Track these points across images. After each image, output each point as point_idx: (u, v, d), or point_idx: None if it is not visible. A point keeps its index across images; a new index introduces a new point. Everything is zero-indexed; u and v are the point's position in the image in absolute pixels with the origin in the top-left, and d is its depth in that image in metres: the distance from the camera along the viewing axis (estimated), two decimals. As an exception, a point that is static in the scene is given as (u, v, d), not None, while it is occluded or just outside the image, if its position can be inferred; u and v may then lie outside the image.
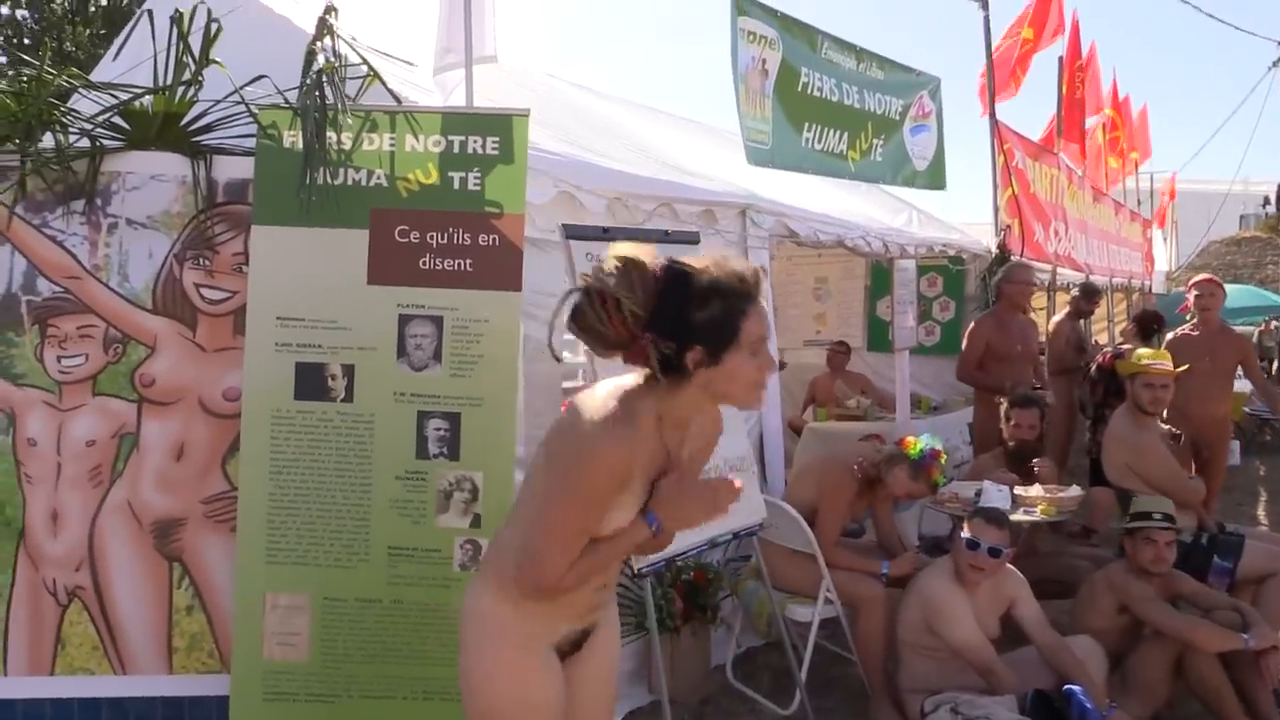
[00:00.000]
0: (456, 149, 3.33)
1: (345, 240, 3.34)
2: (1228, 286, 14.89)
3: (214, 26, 3.45)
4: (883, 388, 8.27)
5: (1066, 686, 3.65)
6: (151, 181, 3.38)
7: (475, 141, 3.32)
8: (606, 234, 3.41)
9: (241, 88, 3.36)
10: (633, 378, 2.04)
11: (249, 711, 3.38)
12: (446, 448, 3.36)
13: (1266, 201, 46.78)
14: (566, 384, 4.13)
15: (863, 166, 6.69)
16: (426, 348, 3.35)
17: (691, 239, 3.79)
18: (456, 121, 3.32)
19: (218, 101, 3.40)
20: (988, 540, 3.88)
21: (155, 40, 3.47)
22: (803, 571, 4.17)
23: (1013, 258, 8.50)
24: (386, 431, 3.36)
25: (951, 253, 8.10)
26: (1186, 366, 5.04)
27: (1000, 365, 6.36)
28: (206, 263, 3.42)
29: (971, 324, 6.82)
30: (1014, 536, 4.32)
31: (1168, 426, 5.27)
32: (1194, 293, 6.42)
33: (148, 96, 3.39)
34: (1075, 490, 4.83)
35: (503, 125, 3.31)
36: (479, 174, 3.32)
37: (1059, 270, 10.25)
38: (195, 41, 3.39)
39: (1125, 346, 7.49)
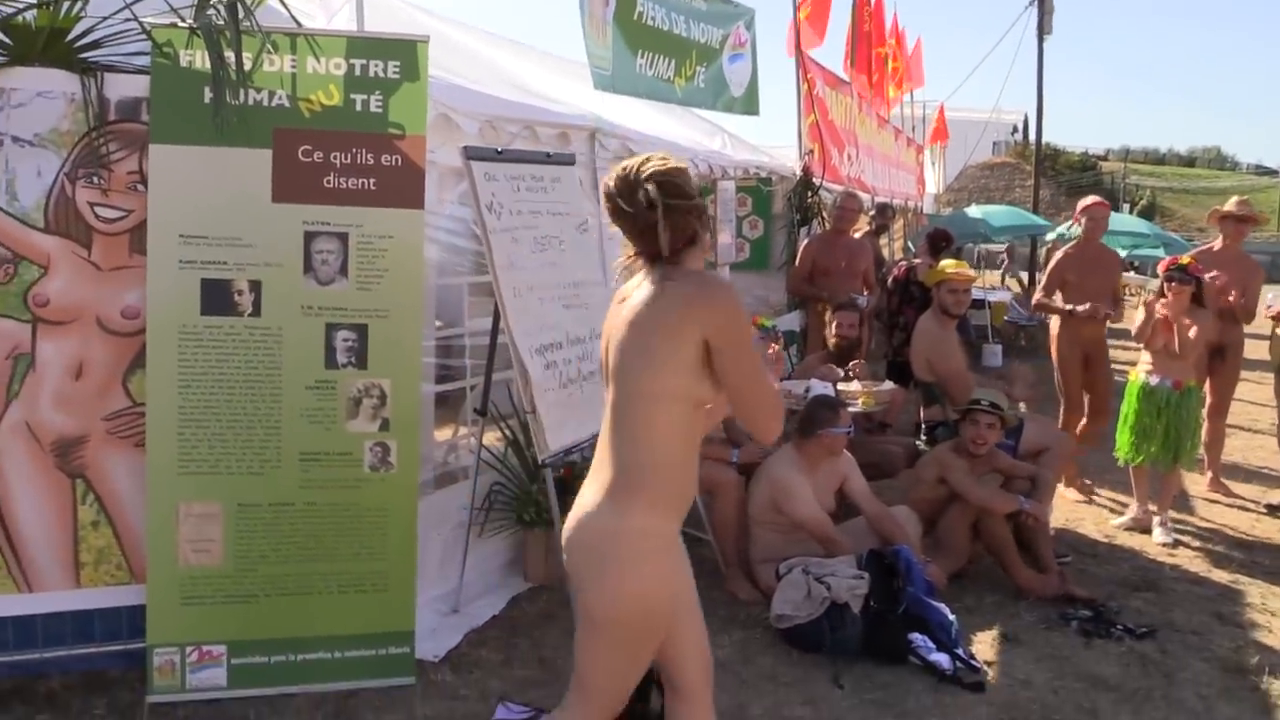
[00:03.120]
0: (359, 72, 3.48)
1: (248, 159, 3.44)
2: (989, 207, 16.46)
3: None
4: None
5: (896, 545, 4.31)
6: (38, 98, 3.34)
7: (378, 65, 3.48)
8: (500, 155, 3.66)
9: (131, 3, 3.36)
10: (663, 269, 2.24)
11: (166, 617, 3.54)
12: (354, 357, 3.57)
13: (1015, 130, 51.14)
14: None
15: (688, 92, 7.12)
16: (333, 263, 3.53)
17: (568, 160, 4.10)
18: (360, 46, 3.46)
19: (105, 18, 3.38)
20: (841, 424, 4.51)
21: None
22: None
23: (815, 179, 9.25)
24: (295, 344, 3.53)
25: (762, 174, 8.69)
26: (977, 276, 5.79)
27: (826, 279, 7.12)
28: (100, 181, 3.43)
29: (804, 243, 7.50)
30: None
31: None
32: (1084, 217, 6.48)
33: (31, 11, 3.32)
34: (889, 384, 5.53)
35: (406, 50, 3.48)
36: (381, 97, 3.49)
37: (852, 191, 11.15)
38: (80, -45, 3.35)
39: (918, 261, 8.36)
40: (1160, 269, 5.56)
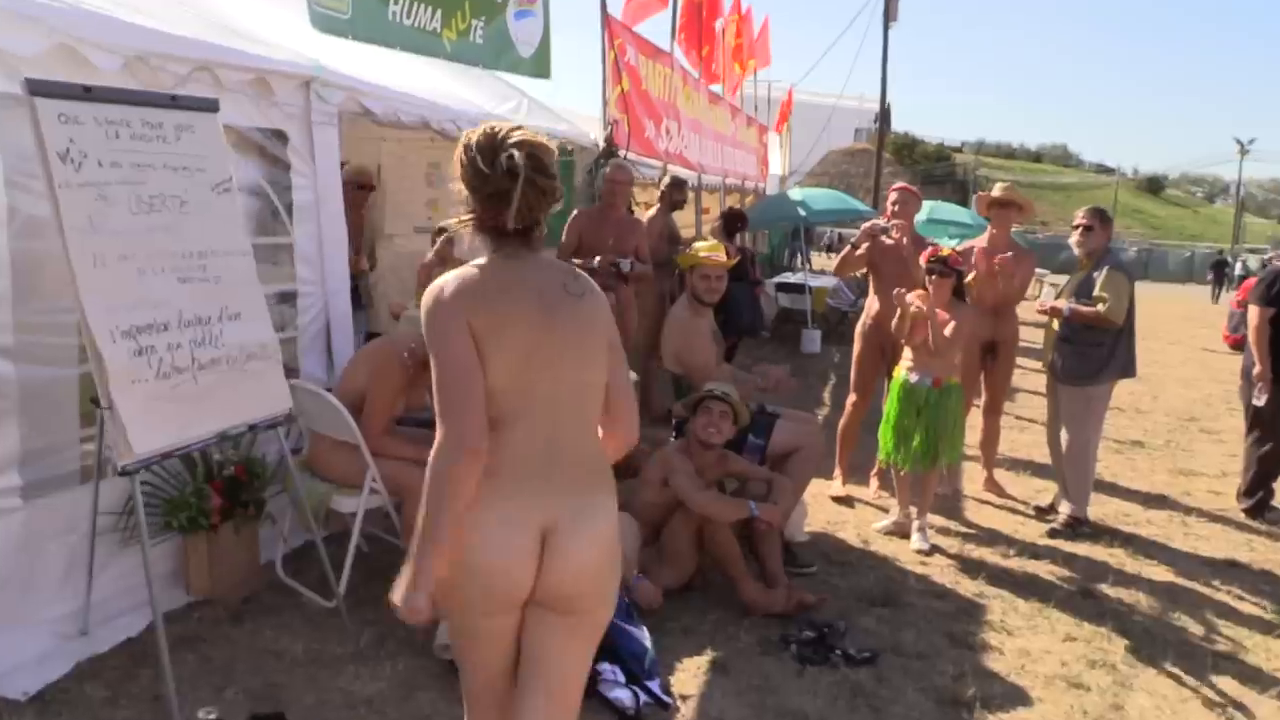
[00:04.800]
0: (-117, -24, 2.76)
1: None
2: (811, 190, 16.35)
3: None
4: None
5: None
6: None
7: (-91, -31, 2.77)
8: (89, 93, 2.98)
9: None
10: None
11: None
12: (-114, 335, 2.87)
13: (878, 118, 52.12)
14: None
15: (460, 48, 6.48)
16: None
17: (205, 105, 3.43)
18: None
19: None
20: None
21: None
22: (348, 461, 4.06)
23: (620, 152, 8.74)
24: None
25: (553, 144, 8.12)
26: (736, 260, 5.39)
27: (592, 258, 6.56)
28: None
29: (571, 217, 6.96)
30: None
31: None
32: (891, 197, 6.19)
33: None
34: (632, 375, 5.05)
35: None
36: (-85, 10, 2.78)
37: (670, 167, 10.70)
38: None
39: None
40: (921, 261, 5.25)
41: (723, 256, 5.16)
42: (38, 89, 2.85)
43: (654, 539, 4.46)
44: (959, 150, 55.39)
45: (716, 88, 14.82)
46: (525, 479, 2.13)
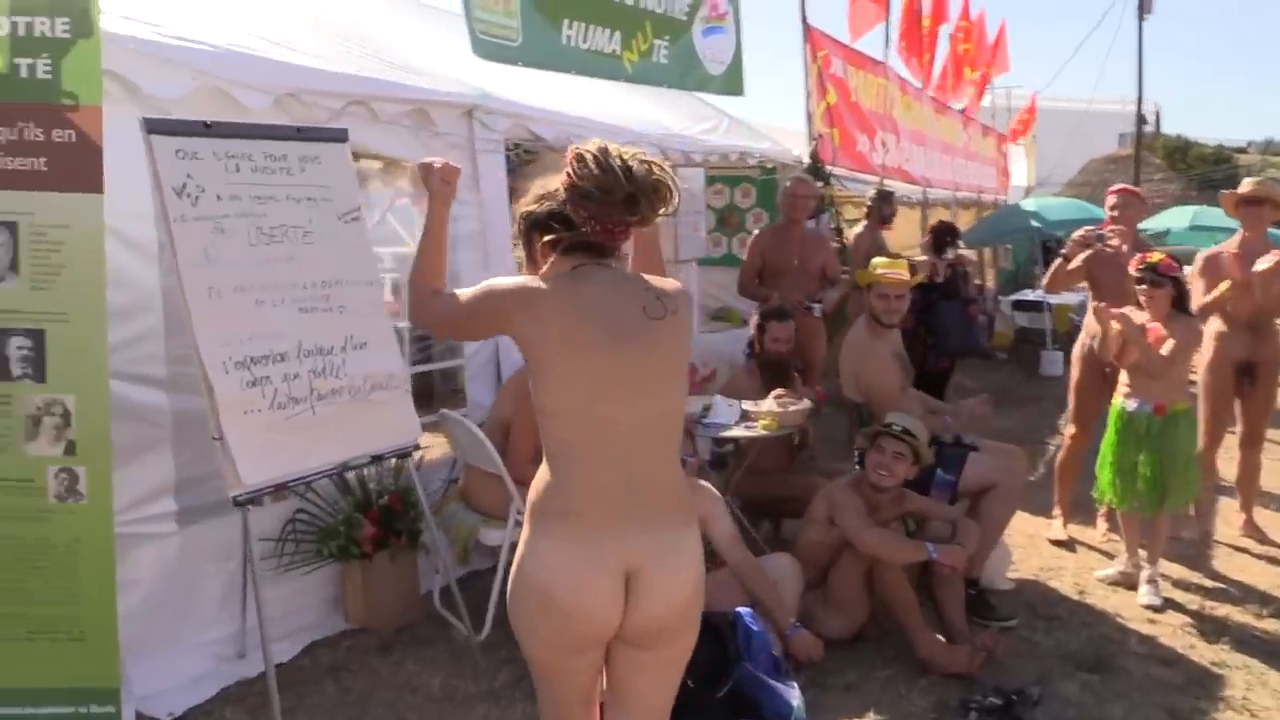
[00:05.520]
0: (23, 31, 2.91)
1: (-109, 135, 2.91)
2: (1045, 199, 15.09)
3: None
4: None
5: (737, 608, 3.53)
6: None
7: (44, 23, 2.91)
8: (209, 128, 3.03)
9: None
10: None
11: None
12: (31, 368, 3.01)
13: (1145, 121, 48.01)
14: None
15: (643, 69, 6.35)
16: (1, 257, 2.97)
17: (333, 136, 3.43)
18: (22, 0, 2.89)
19: None
20: None
21: None
22: (494, 493, 3.96)
23: (826, 168, 8.36)
24: (-42, 352, 2.99)
25: (752, 162, 7.87)
26: (921, 277, 4.91)
27: (777, 279, 6.23)
28: None
29: (752, 236, 6.68)
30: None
31: None
32: (1110, 200, 5.58)
33: None
34: (805, 404, 4.70)
35: (73, 3, 2.90)
36: (50, 60, 2.92)
37: (887, 182, 10.17)
38: None
39: (922, 259, 7.40)
40: (1132, 268, 4.56)
41: (905, 274, 4.71)
42: (155, 127, 2.93)
43: (820, 582, 4.08)
44: (1243, 150, 50.04)
45: (957, 104, 14.08)
46: (607, 516, 2.06)
